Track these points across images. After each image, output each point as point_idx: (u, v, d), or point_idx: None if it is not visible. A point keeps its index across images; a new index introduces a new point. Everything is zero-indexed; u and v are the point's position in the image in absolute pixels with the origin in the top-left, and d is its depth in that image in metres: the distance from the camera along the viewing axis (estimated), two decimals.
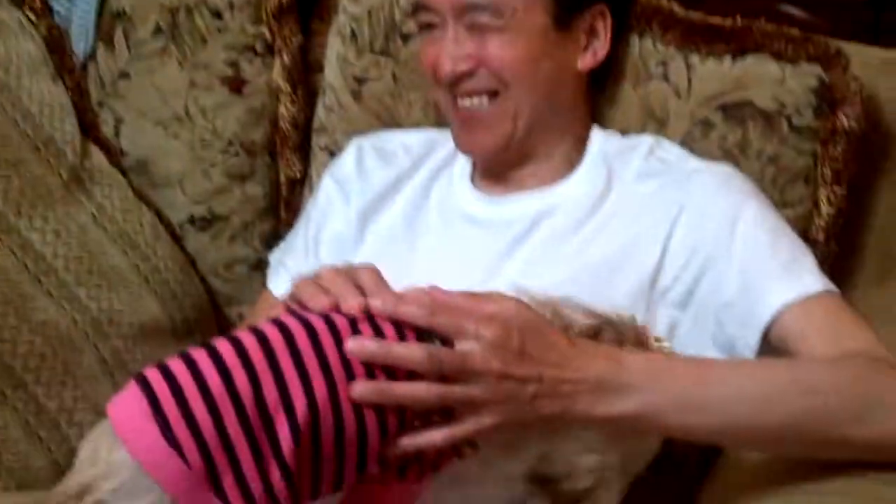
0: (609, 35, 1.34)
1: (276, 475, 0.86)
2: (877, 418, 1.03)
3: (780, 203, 1.36)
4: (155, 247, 1.51)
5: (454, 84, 1.29)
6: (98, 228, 1.45)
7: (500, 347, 0.95)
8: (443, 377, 0.93)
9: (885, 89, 1.40)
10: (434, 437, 0.94)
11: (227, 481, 0.85)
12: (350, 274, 1.00)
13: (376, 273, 1.01)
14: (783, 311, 1.16)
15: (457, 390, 0.93)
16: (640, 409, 0.99)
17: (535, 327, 0.98)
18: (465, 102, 1.30)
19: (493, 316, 0.96)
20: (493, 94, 1.29)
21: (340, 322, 0.91)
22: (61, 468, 1.32)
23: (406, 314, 0.94)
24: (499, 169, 1.34)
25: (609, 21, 1.33)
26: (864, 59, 1.40)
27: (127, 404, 0.87)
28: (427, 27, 1.31)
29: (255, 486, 0.86)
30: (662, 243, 1.25)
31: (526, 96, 1.29)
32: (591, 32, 1.33)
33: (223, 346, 0.88)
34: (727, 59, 1.37)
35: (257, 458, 0.85)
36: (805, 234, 1.36)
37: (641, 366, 1.01)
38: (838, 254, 1.40)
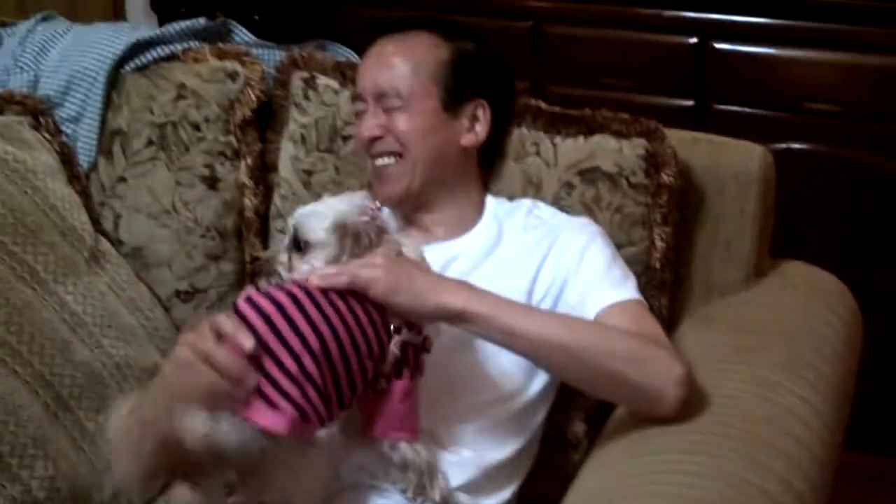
0: (489, 122, 1.70)
1: (311, 392, 1.28)
2: (646, 370, 1.42)
3: (626, 242, 1.73)
4: (153, 311, 1.87)
5: (369, 145, 1.68)
6: (113, 295, 1.80)
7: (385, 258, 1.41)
8: None
9: (694, 159, 1.79)
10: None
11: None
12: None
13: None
14: (605, 310, 1.57)
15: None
16: (485, 309, 1.42)
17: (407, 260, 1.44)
18: (378, 162, 1.68)
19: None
20: (397, 156, 1.67)
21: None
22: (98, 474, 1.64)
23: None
24: (412, 220, 1.72)
25: (489, 112, 1.70)
26: (679, 138, 1.79)
27: None
28: (359, 113, 1.71)
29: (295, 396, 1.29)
30: (535, 272, 1.64)
31: (420, 159, 1.67)
32: (474, 119, 1.70)
33: (266, 306, 1.32)
34: (581, 138, 1.76)
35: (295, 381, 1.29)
36: (647, 265, 1.75)
37: (483, 291, 1.45)
38: (673, 280, 1.78)
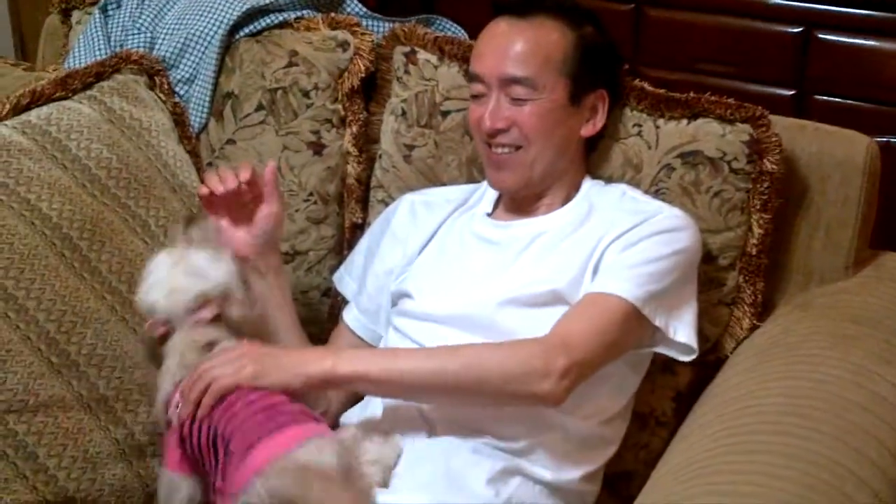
0: (606, 112, 1.74)
1: None
2: (517, 381, 1.50)
3: (723, 227, 1.74)
4: None
5: (492, 136, 1.68)
6: None
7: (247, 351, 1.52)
8: None
9: (799, 146, 1.78)
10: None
11: None
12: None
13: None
14: (588, 294, 1.59)
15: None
16: (350, 367, 1.51)
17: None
18: (498, 150, 1.69)
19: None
20: (517, 147, 1.69)
21: None
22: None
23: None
24: (518, 201, 1.75)
25: (607, 102, 1.73)
26: (785, 125, 1.78)
27: None
28: (477, 96, 1.71)
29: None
30: (612, 240, 1.63)
31: (542, 152, 1.68)
32: (593, 109, 1.72)
33: None
34: (683, 121, 1.75)
35: None
36: (743, 250, 1.76)
37: (347, 352, 1.63)
38: (769, 266, 1.78)
